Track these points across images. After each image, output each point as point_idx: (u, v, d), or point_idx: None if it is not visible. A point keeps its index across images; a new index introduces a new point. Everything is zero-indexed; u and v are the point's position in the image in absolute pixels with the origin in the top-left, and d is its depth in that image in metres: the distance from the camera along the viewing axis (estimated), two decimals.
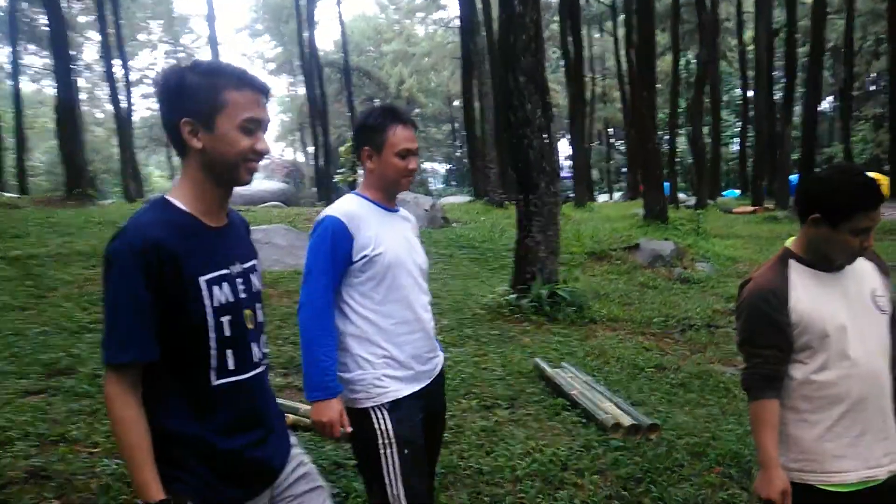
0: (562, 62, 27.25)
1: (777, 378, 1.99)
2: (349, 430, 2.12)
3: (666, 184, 20.86)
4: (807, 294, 1.96)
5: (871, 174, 1.96)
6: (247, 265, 1.69)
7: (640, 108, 15.69)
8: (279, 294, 6.84)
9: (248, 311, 1.65)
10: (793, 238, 2.07)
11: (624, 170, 43.35)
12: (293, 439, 1.84)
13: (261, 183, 25.73)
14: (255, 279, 1.71)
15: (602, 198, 38.28)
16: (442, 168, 58.81)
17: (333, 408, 2.10)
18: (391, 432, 2.15)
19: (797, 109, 27.55)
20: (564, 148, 35.57)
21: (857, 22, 29.63)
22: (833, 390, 1.93)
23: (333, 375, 2.12)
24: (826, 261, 1.97)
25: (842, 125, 30.21)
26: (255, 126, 1.57)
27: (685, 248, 10.76)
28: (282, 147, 55.32)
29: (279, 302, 6.54)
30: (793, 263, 2.01)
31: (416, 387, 2.24)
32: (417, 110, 48.88)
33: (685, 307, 7.41)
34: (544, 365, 4.92)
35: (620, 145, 46.95)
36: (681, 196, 26.42)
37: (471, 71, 21.82)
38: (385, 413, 2.16)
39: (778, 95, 26.10)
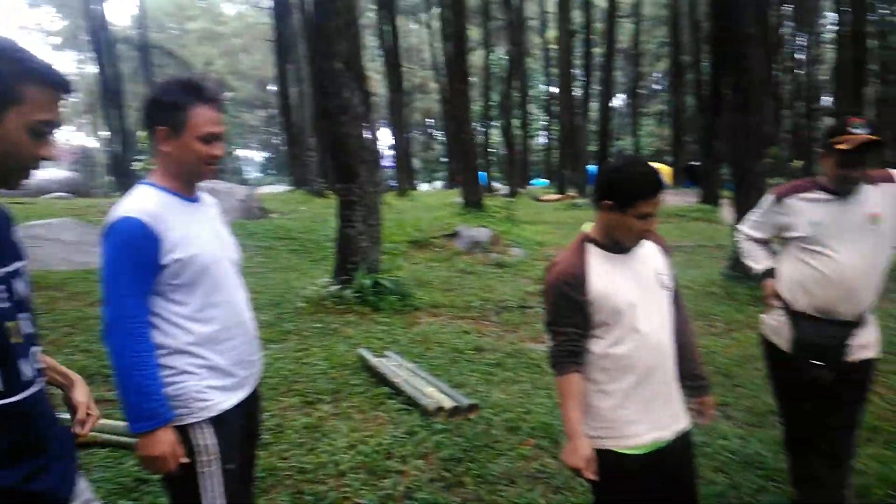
0: (380, 51, 27.30)
1: (579, 354, 2.13)
2: (186, 461, 1.88)
3: (482, 173, 21.88)
4: (602, 275, 2.12)
5: (654, 164, 2.17)
6: (7, 269, 1.43)
7: (455, 100, 16.23)
8: (67, 297, 6.10)
9: (10, 324, 1.40)
10: (589, 223, 2.23)
11: (444, 159, 44.72)
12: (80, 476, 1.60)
13: (44, 171, 22.80)
14: (19, 285, 1.46)
15: (424, 186, 39.22)
16: (258, 156, 56.37)
17: (164, 439, 1.83)
18: (215, 449, 1.94)
19: (594, 105, 30.21)
20: (387, 137, 35.80)
21: (643, 26, 33.19)
22: (626, 362, 2.11)
23: (161, 400, 1.84)
24: (617, 243, 2.14)
25: (631, 120, 33.78)
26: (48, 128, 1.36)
27: (500, 235, 11.35)
28: (69, 131, 49.36)
29: (67, 305, 5.83)
30: (590, 247, 2.17)
31: (242, 395, 2.05)
32: (229, 94, 46.27)
33: (501, 290, 7.81)
34: (368, 355, 4.90)
35: (440, 135, 48.32)
36: (496, 185, 27.85)
37: (285, 55, 21.08)
38: (208, 428, 1.94)
39: (578, 92, 28.48)
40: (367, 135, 6.71)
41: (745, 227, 3.00)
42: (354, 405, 4.17)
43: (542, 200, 22.62)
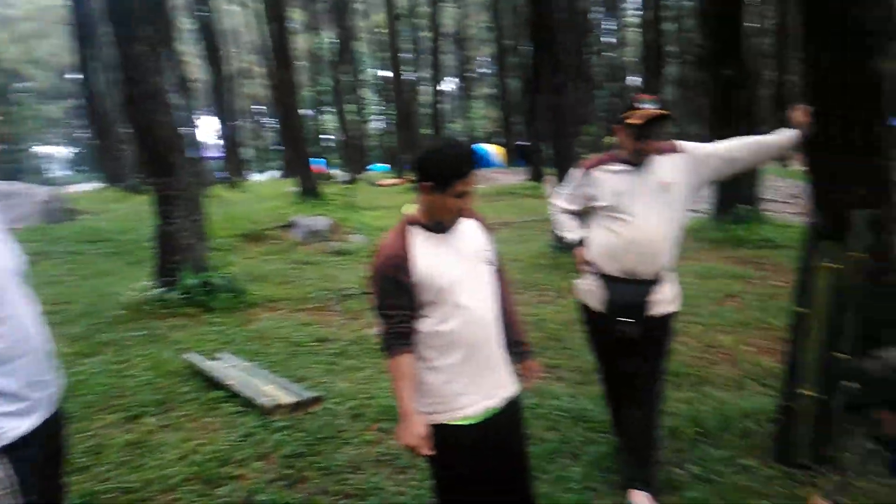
0: (198, 34, 25.56)
1: (409, 334, 2.13)
2: None
3: (321, 160, 21.40)
4: (426, 255, 2.13)
5: (484, 145, 2.21)
6: None
7: (282, 85, 15.67)
8: None
9: None
10: (410, 206, 2.23)
11: (278, 147, 43.17)
12: None
13: None
14: None
15: (257, 177, 37.61)
16: (64, 152, 50.69)
17: None
18: (11, 481, 1.71)
19: (426, 89, 30.70)
20: (213, 125, 33.74)
21: (467, 10, 34.13)
22: (453, 337, 2.14)
23: None
24: (439, 223, 2.16)
25: (463, 103, 34.77)
26: None
27: (339, 222, 11.18)
28: None
29: None
30: (413, 229, 2.17)
31: (37, 419, 1.82)
32: (26, 84, 41.06)
33: (342, 278, 7.70)
34: (197, 359, 4.59)
35: (272, 122, 46.51)
36: (334, 171, 27.40)
37: (86, 39, 19.05)
38: (2, 459, 1.72)
39: (409, 76, 28.75)
40: (180, 123, 6.22)
41: (557, 200, 3.18)
42: (185, 414, 3.90)
43: (381, 185, 22.67)
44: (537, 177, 19.33)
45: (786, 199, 12.07)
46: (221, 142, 24.51)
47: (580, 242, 3.03)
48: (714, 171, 2.90)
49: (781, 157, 3.32)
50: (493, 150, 30.20)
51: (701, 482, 3.02)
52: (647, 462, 2.97)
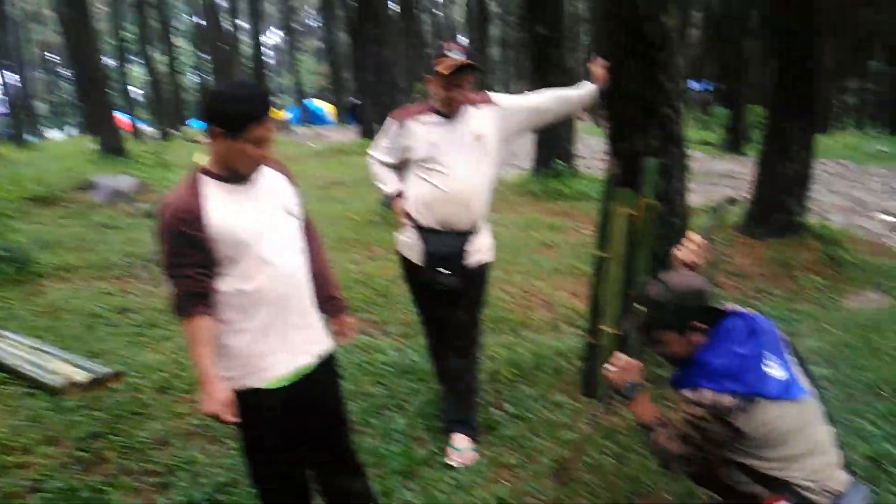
0: None
1: (206, 295, 1.94)
2: None
3: (126, 115, 19.35)
4: (222, 208, 1.93)
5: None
6: None
7: (76, 31, 13.83)
8: None
9: None
10: (202, 155, 2.01)
11: (77, 102, 38.45)
12: None
13: None
14: None
15: (54, 134, 33.32)
16: None
17: None
18: None
19: (246, 39, 28.84)
20: None
21: None
22: (258, 296, 1.98)
23: None
24: (235, 173, 1.97)
25: (290, 57, 33.16)
26: None
27: (149, 182, 10.22)
28: None
29: None
30: (205, 179, 1.95)
31: None
32: None
33: (151, 243, 7.04)
34: None
35: (69, 74, 41.23)
36: (144, 127, 24.97)
37: None
38: None
39: (227, 25, 26.76)
40: None
41: (373, 153, 3.08)
42: None
43: (200, 142, 21.03)
44: (369, 134, 19.04)
45: (598, 155, 13.02)
46: (4, 96, 21.25)
47: (398, 195, 2.97)
48: (523, 123, 2.96)
49: (588, 110, 3.48)
50: (324, 107, 29.32)
51: (516, 420, 3.17)
52: (468, 406, 3.04)
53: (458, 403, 3.04)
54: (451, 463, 2.85)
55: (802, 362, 2.01)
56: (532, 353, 3.91)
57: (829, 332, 4.45)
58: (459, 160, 2.81)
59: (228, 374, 1.99)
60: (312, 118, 27.83)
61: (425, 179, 2.84)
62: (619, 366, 2.15)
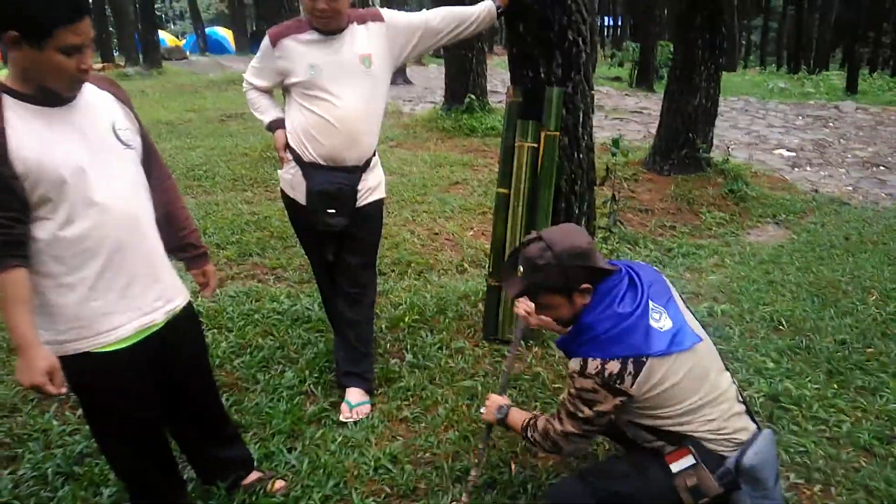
0: None
1: (18, 244, 1.57)
2: None
3: None
4: (31, 137, 1.54)
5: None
6: None
7: None
8: None
9: None
10: (5, 71, 1.60)
11: None
12: None
13: None
14: None
15: None
16: None
17: None
18: None
19: None
20: None
21: None
22: (86, 244, 1.63)
23: None
24: (46, 92, 1.58)
25: None
26: None
27: None
28: None
29: None
30: (7, 101, 1.55)
31: None
32: None
33: None
34: None
35: None
36: None
37: None
38: None
39: None
40: None
41: (248, 76, 2.69)
42: None
43: None
44: None
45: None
46: None
47: (277, 125, 2.62)
48: (416, 43, 2.65)
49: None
50: (225, 35, 27.58)
51: (416, 369, 2.98)
52: (363, 357, 2.82)
53: (352, 354, 2.81)
54: (344, 419, 2.63)
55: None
56: (436, 298, 3.72)
57: (731, 267, 4.49)
58: (344, 85, 2.48)
59: (56, 338, 1.66)
60: (213, 47, 26.10)
61: (307, 108, 2.50)
62: (489, 404, 2.12)
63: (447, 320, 3.43)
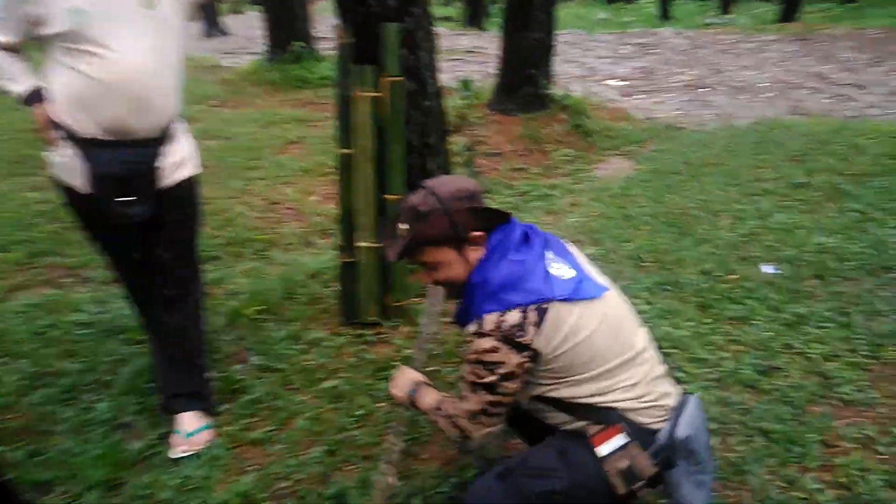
0: None
1: None
2: None
3: None
4: None
5: None
6: None
7: None
8: None
9: None
10: None
11: None
12: None
13: None
14: None
15: None
16: None
17: None
18: None
19: None
20: None
21: None
22: None
23: None
24: None
25: None
26: None
27: None
28: None
29: None
30: None
31: None
32: None
33: None
34: None
35: None
36: None
37: None
38: None
39: None
40: None
41: None
42: None
43: None
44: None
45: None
46: None
47: (35, 97, 1.95)
48: None
49: None
50: None
51: (265, 374, 2.50)
52: (194, 372, 2.29)
53: (180, 370, 2.27)
54: (176, 455, 2.12)
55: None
56: (282, 281, 3.21)
57: (586, 205, 4.38)
58: (121, 34, 1.86)
59: None
60: None
61: (75, 68, 1.86)
62: (398, 379, 1.74)
63: (298, 307, 2.96)
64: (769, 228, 3.79)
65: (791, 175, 4.71)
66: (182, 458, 2.10)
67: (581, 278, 1.43)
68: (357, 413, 2.22)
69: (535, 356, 1.38)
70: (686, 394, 1.53)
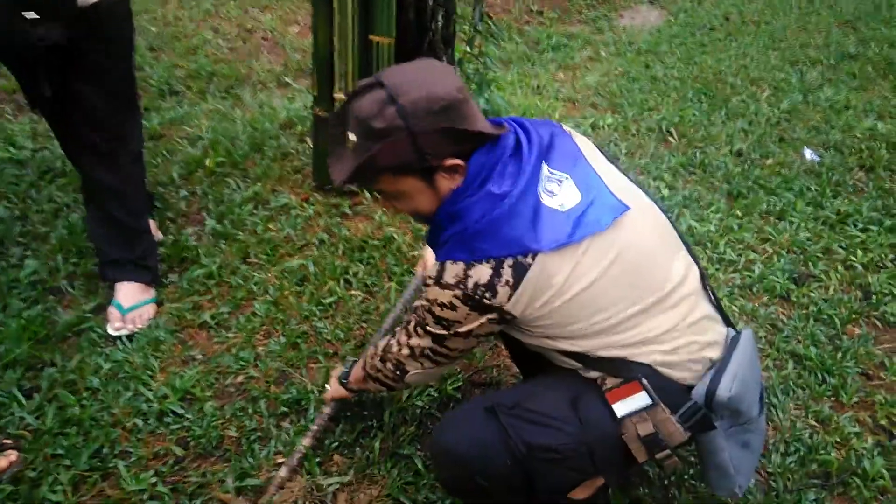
0: None
1: None
2: None
3: None
4: None
5: None
6: None
7: None
8: None
9: None
10: None
11: None
12: None
13: None
14: None
15: None
16: None
17: None
18: None
19: None
20: None
21: None
22: None
23: None
24: None
25: None
26: None
27: None
28: None
29: None
30: None
31: None
32: None
33: None
34: None
35: None
36: None
37: None
38: None
39: None
40: None
41: None
42: None
43: None
44: None
45: None
46: None
47: None
48: None
49: None
50: None
51: (221, 242, 2.14)
52: (136, 236, 1.93)
53: (118, 233, 1.91)
54: (113, 332, 1.81)
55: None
56: (249, 128, 2.77)
57: (607, 61, 3.83)
58: None
59: None
60: None
61: None
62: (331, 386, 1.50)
63: (265, 162, 2.54)
64: (813, 105, 3.32)
65: (841, 44, 4.14)
66: (118, 336, 1.79)
67: (589, 202, 1.02)
68: (326, 301, 1.89)
69: (505, 318, 1.04)
70: (737, 333, 1.19)
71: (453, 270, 1.02)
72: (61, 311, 1.87)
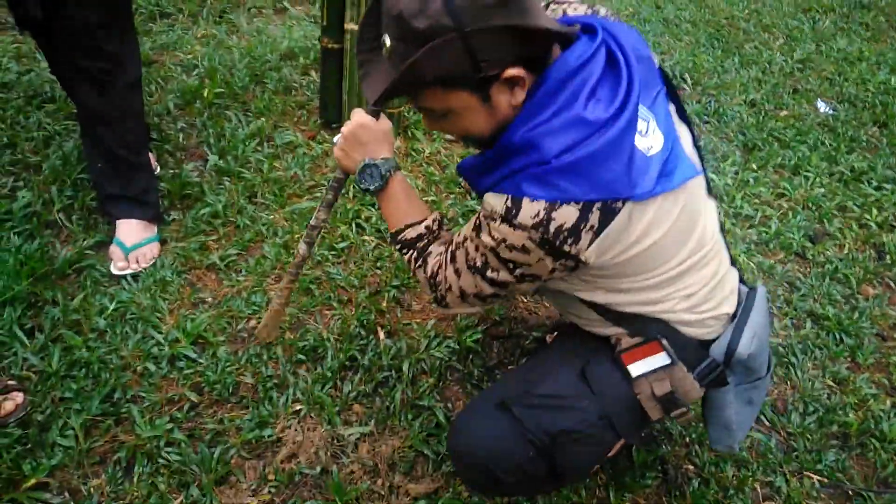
0: None
1: None
2: None
3: None
4: None
5: None
6: None
7: None
8: None
9: None
10: None
11: None
12: None
13: None
14: None
15: None
16: None
17: None
18: None
19: None
20: None
21: None
22: None
23: None
24: None
25: None
26: None
27: None
28: None
29: None
30: None
31: None
32: None
33: None
34: None
35: None
36: None
37: None
38: None
39: None
40: None
41: None
42: None
43: None
44: None
45: None
46: None
47: None
48: None
49: None
50: None
51: (226, 179, 2.04)
52: (136, 170, 1.83)
53: (116, 167, 1.81)
54: (117, 271, 1.74)
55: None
56: (248, 57, 2.62)
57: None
58: None
59: None
60: None
61: None
62: (350, 133, 1.10)
63: (267, 96, 2.41)
64: (827, 56, 3.24)
65: None
66: (122, 277, 1.72)
67: (669, 150, 0.92)
68: (338, 246, 1.83)
69: (577, 266, 0.94)
70: (750, 289, 1.16)
71: (532, 209, 0.87)
72: (59, 246, 1.78)
